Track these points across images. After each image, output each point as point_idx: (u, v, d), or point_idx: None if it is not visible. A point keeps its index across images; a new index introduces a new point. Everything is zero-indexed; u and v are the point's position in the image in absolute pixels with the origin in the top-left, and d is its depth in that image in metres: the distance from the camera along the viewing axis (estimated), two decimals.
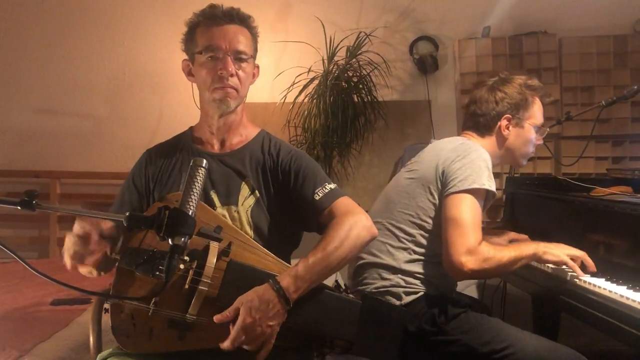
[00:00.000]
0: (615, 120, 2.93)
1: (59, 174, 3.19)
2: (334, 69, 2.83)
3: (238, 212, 1.34)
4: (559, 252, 1.55)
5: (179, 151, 1.43)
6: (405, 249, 1.59)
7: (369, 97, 2.89)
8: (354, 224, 1.26)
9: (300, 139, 2.90)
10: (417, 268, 1.57)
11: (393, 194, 1.69)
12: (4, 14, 3.22)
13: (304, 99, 2.88)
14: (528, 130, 1.72)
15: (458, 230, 1.46)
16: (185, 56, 1.42)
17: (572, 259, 1.55)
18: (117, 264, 1.19)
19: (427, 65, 3.04)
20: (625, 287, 1.40)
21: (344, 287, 1.28)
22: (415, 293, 1.54)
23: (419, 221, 1.59)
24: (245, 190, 1.36)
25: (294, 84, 2.89)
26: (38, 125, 3.22)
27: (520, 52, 3.00)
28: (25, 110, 3.23)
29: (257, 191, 1.36)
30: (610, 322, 1.37)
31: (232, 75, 1.33)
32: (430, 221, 1.58)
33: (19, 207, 1.01)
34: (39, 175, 3.18)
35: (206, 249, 1.19)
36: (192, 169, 1.10)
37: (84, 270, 1.22)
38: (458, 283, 1.70)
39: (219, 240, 1.19)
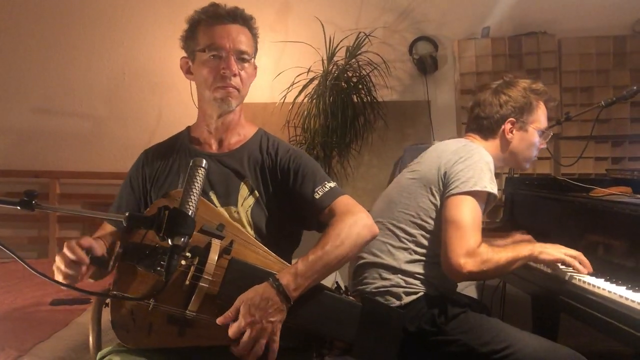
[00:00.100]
0: (614, 121, 2.93)
1: (58, 174, 3.19)
2: (333, 69, 2.83)
3: (238, 213, 1.33)
4: (555, 252, 1.56)
5: (175, 152, 1.43)
6: (405, 249, 1.59)
7: (368, 97, 2.90)
8: (355, 223, 1.26)
9: (300, 139, 2.90)
10: (418, 268, 1.57)
11: (394, 193, 1.69)
12: (4, 14, 3.22)
13: (303, 99, 2.88)
14: (532, 134, 1.72)
15: (458, 232, 1.46)
16: (183, 54, 1.41)
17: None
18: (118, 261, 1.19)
19: (426, 66, 3.03)
20: (625, 287, 1.40)
21: (344, 288, 1.28)
22: (415, 293, 1.54)
23: (419, 221, 1.59)
24: (244, 190, 1.36)
25: (293, 84, 2.89)
26: (37, 125, 3.22)
27: (519, 53, 3.01)
28: (24, 110, 3.23)
29: (256, 191, 1.36)
30: (609, 322, 1.37)
31: (234, 75, 1.33)
32: (431, 222, 1.58)
33: (19, 207, 1.01)
34: (39, 175, 3.18)
35: (208, 246, 1.19)
36: (192, 169, 1.11)
37: None
38: (458, 283, 1.70)
39: (221, 237, 1.19)
